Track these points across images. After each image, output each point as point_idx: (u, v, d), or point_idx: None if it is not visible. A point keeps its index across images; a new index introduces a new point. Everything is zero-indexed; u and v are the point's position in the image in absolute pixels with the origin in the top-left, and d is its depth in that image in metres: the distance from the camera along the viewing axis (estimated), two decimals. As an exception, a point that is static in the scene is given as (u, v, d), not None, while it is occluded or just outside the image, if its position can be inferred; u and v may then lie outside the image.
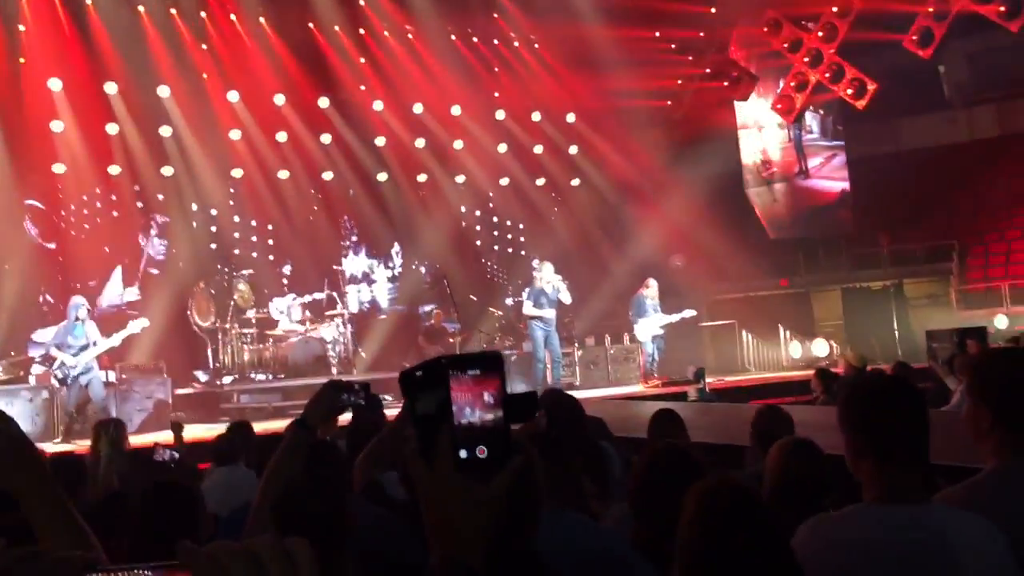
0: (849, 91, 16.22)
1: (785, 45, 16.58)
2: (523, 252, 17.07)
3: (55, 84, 13.09)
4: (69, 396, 10.41)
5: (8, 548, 1.06)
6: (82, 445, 9.04)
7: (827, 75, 16.30)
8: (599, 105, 16.28)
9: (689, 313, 13.36)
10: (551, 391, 6.33)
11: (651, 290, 13.24)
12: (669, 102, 17.34)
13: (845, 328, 16.24)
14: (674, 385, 12.12)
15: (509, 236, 17.31)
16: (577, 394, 6.57)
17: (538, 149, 16.61)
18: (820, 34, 16.06)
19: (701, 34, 17.20)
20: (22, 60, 12.97)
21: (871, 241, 17.44)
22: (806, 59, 16.33)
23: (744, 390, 11.93)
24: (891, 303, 16.41)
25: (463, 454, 1.23)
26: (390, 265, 16.63)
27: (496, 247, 17.25)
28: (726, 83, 17.39)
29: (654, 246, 15.76)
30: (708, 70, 17.39)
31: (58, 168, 13.47)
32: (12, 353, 12.32)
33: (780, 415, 4.82)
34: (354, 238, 16.44)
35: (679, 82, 17.44)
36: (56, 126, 13.18)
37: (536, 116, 16.52)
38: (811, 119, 18.17)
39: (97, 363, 10.65)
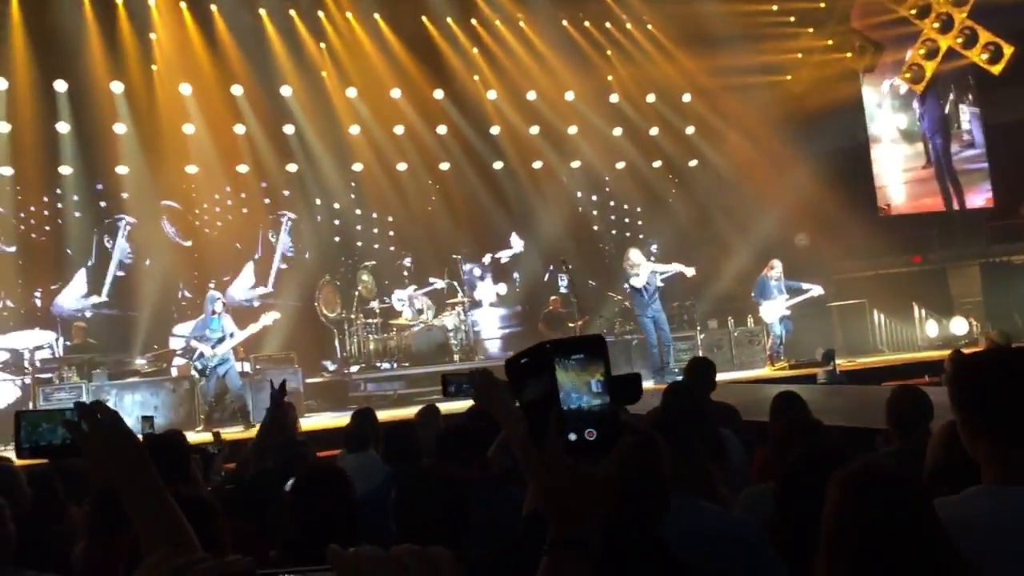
0: (984, 56, 15.36)
1: (912, 11, 15.84)
2: (641, 236, 16.89)
3: (185, 89, 13.70)
4: (208, 386, 10.92)
5: (169, 554, 1.10)
6: (224, 433, 9.47)
7: (959, 40, 15.48)
8: (715, 83, 15.92)
9: (816, 292, 12.97)
10: (697, 359, 6.28)
11: (775, 271, 12.91)
12: (789, 77, 16.79)
13: (985, 305, 15.40)
14: (802, 367, 11.80)
15: (626, 220, 17.15)
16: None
17: (654, 131, 16.38)
18: (950, -3, 15.27)
19: (822, 4, 16.59)
20: (155, 67, 13.61)
21: (1011, 213, 16.50)
22: (935, 25, 15.55)
23: (877, 371, 11.49)
24: (1035, 278, 15.50)
25: (572, 437, 1.24)
26: (509, 253, 16.69)
27: (614, 231, 17.11)
28: (849, 54, 16.74)
29: (777, 225, 15.34)
30: (830, 41, 16.77)
31: (191, 169, 14.10)
32: (155, 346, 13.01)
33: (920, 396, 4.59)
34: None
35: (799, 56, 16.87)
36: (188, 129, 13.80)
37: (651, 98, 16.31)
38: (943, 87, 17.27)
39: (233, 354, 11.13)
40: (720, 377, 6.56)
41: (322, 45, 14.59)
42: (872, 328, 15.25)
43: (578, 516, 1.27)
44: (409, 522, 2.82)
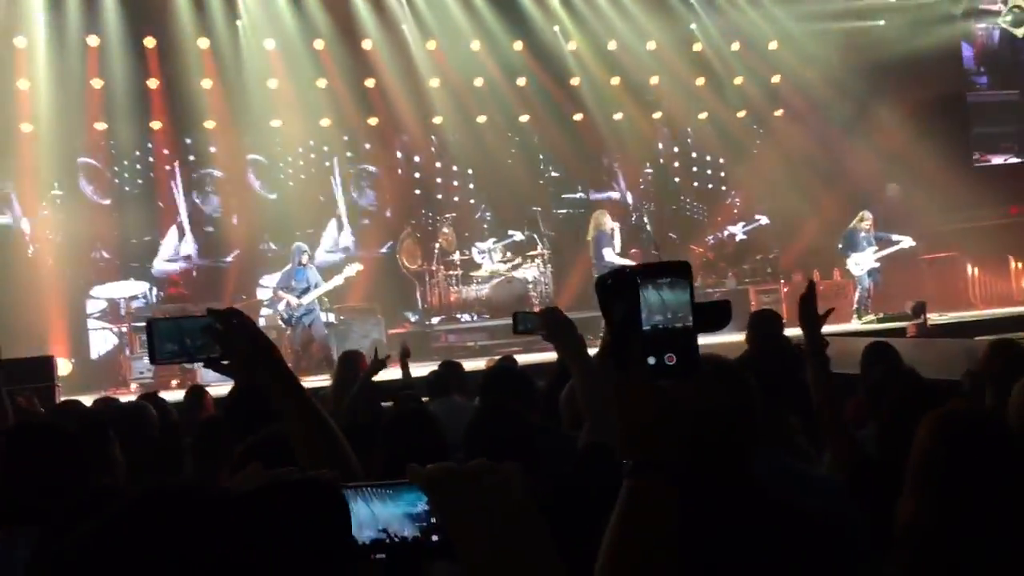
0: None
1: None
2: (724, 188, 16.58)
3: (269, 44, 13.89)
4: (294, 335, 11.20)
5: (261, 470, 1.14)
6: (309, 380, 9.72)
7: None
8: (804, 30, 15.42)
9: (907, 243, 12.59)
10: (759, 311, 6.16)
11: (865, 222, 12.58)
12: (882, 21, 16.14)
13: (1086, 258, 14.75)
14: (891, 321, 11.50)
15: (709, 172, 16.83)
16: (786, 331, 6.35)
17: (738, 80, 15.99)
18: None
19: (918, -56, 15.88)
20: (240, 23, 13.81)
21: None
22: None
23: (970, 325, 11.13)
24: None
25: (652, 361, 1.23)
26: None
27: (696, 183, 16.82)
28: (947, -4, 15.99)
29: (866, 175, 14.88)
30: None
31: (275, 123, 14.33)
32: (243, 296, 13.36)
33: (1017, 348, 4.42)
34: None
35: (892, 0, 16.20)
36: (272, 83, 14.00)
37: (735, 46, 15.89)
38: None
39: (318, 304, 11.37)
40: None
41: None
42: (965, 281, 14.75)
43: (657, 440, 1.26)
44: (475, 453, 2.90)
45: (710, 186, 16.70)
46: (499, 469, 1.10)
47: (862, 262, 12.46)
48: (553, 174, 16.19)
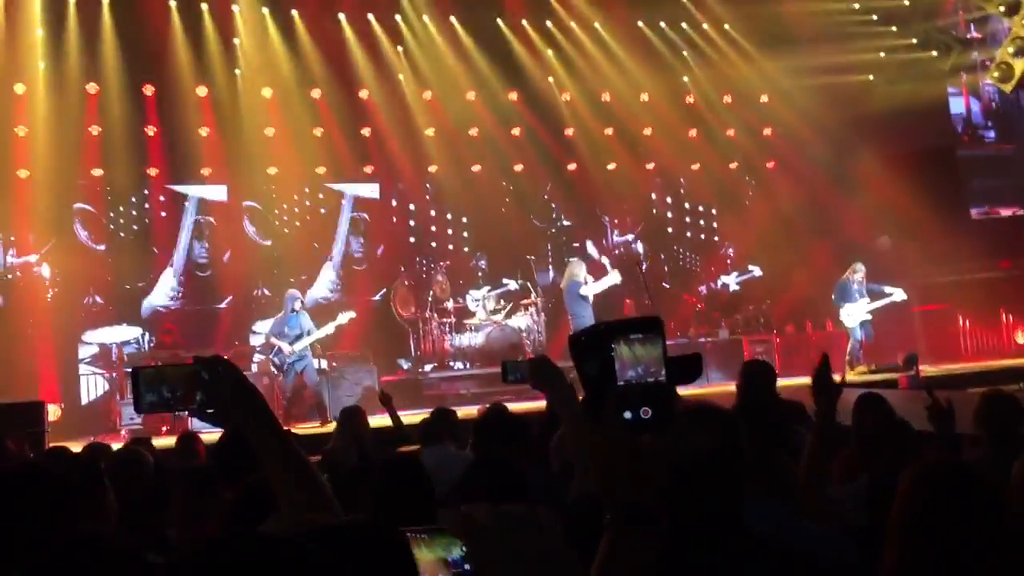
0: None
1: (1000, 8, 15.31)
2: (716, 238, 16.69)
3: (267, 92, 14.04)
4: (286, 382, 11.16)
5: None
6: (300, 428, 9.66)
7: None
8: (794, 84, 15.66)
9: (899, 296, 12.64)
10: (751, 361, 6.17)
11: (858, 274, 12.65)
12: (871, 76, 16.41)
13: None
14: (883, 372, 11.51)
15: (702, 222, 16.97)
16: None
17: (730, 132, 16.19)
18: (1042, -8, 14.70)
19: (906, 2, 16.18)
20: (238, 72, 13.97)
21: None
22: (1026, 21, 14.97)
23: (962, 377, 11.14)
24: None
25: (628, 415, 1.24)
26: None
27: (688, 233, 16.94)
28: (935, 53, 16.27)
29: (857, 227, 15.01)
30: (914, 40, 16.33)
31: (271, 170, 14.42)
32: (236, 343, 13.33)
33: (1012, 401, 4.43)
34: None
35: (882, 55, 16.47)
36: (269, 131, 14.12)
37: (727, 99, 16.13)
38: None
39: (311, 351, 11.34)
40: (798, 381, 6.45)
41: (399, 48, 14.80)
42: (957, 334, 14.80)
43: (634, 491, 1.28)
44: (471, 500, 2.91)
45: (703, 236, 16.82)
46: (533, 511, 1.09)
47: (854, 313, 12.51)
48: (539, 224, 16.26)
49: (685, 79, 15.95)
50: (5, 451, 4.42)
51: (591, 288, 11.98)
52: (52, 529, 2.46)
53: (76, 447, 6.00)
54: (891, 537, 1.91)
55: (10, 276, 13.11)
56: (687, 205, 16.99)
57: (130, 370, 1.87)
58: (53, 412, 10.44)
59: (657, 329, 1.29)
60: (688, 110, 16.02)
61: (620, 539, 1.27)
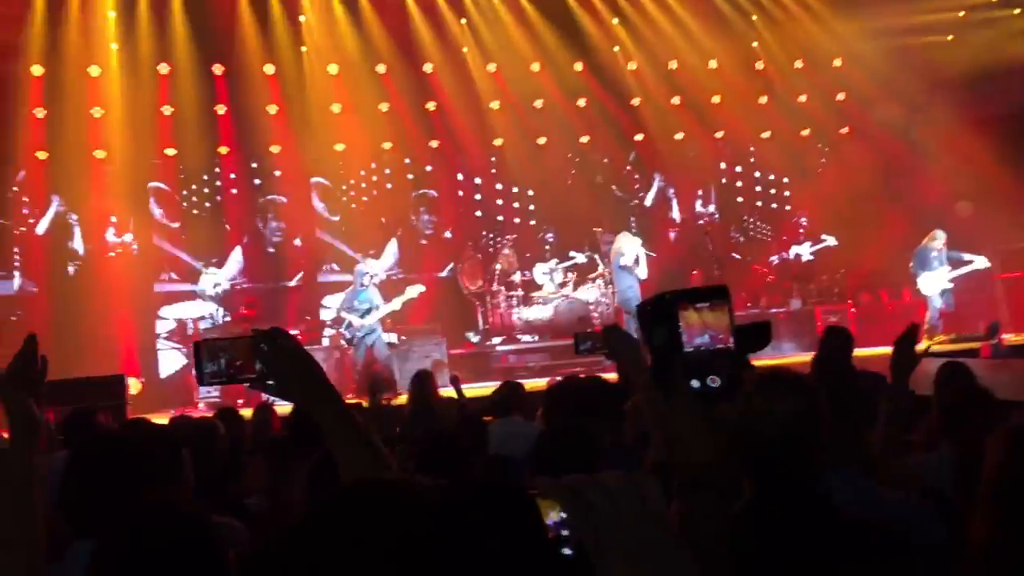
0: None
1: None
2: (788, 208, 16.33)
3: (333, 68, 14.14)
4: (357, 356, 11.31)
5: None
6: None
7: None
8: (868, 46, 15.16)
9: (981, 264, 12.23)
10: (831, 327, 6.04)
11: (937, 241, 12.26)
12: (951, 37, 15.81)
13: None
14: (964, 341, 11.17)
15: (772, 191, 16.62)
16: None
17: (802, 98, 15.78)
18: None
19: (987, -43, 15.53)
20: (304, 49, 14.09)
21: None
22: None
23: (1048, 346, 10.75)
24: None
25: (695, 383, 1.23)
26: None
27: (759, 203, 16.61)
28: (1017, 11, 15.59)
29: (936, 193, 14.53)
30: (997, -3, 15.68)
31: (338, 147, 14.55)
32: (308, 317, 13.54)
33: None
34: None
35: (961, 14, 15.85)
36: (335, 108, 14.23)
37: (798, 64, 15.70)
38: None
39: (380, 325, 11.47)
40: (875, 351, 6.30)
41: (463, 21, 14.75)
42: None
43: (703, 460, 1.26)
44: (543, 472, 2.87)
45: (774, 205, 16.47)
46: (636, 480, 1.07)
47: (934, 282, 12.15)
48: (620, 195, 16.12)
49: (755, 44, 15.57)
50: (96, 424, 4.57)
51: (639, 268, 11.81)
52: (132, 497, 2.52)
53: (155, 420, 6.17)
54: (984, 507, 1.83)
55: (111, 254, 13.47)
56: (757, 174, 16.64)
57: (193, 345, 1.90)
58: (134, 386, 10.77)
59: (724, 296, 1.27)
60: (758, 77, 15.65)
61: (690, 506, 1.26)
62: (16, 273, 13.07)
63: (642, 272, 11.80)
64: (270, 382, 1.82)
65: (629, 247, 11.89)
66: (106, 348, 11.96)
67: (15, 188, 13.23)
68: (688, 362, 1.25)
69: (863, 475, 2.76)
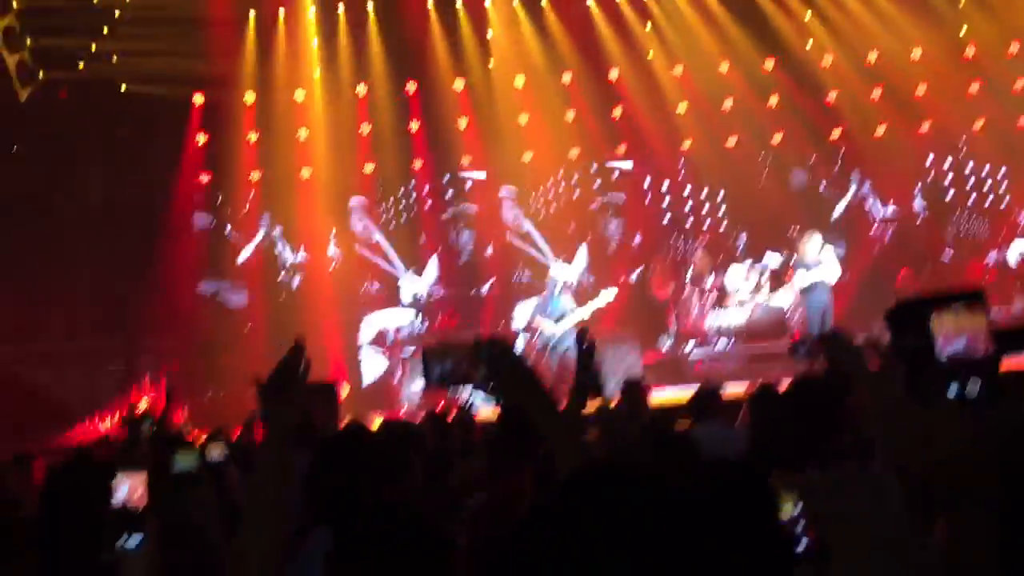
0: None
1: None
2: (1007, 201, 15.12)
3: (519, 80, 14.40)
4: (551, 362, 11.40)
5: None
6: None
7: None
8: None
9: None
10: None
11: None
12: None
13: None
14: None
15: (988, 185, 15.41)
16: None
17: (1020, 84, 14.60)
18: None
19: None
20: (492, 62, 14.42)
21: None
22: None
23: None
24: None
25: (954, 390, 1.14)
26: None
27: (973, 198, 15.45)
28: None
29: None
30: None
31: (526, 156, 14.77)
32: (501, 324, 13.77)
33: None
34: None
35: None
36: (522, 119, 14.47)
37: (1014, 48, 14.54)
38: None
39: (574, 331, 11.52)
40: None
41: (648, 25, 14.63)
42: None
43: (965, 475, 1.16)
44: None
45: (991, 199, 15.28)
46: (873, 476, 1.02)
47: None
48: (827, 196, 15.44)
49: (963, 30, 14.55)
50: (312, 426, 4.83)
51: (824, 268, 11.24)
52: (367, 492, 2.67)
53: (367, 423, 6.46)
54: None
55: (334, 264, 14.22)
56: (970, 166, 15.49)
57: (416, 350, 2.00)
58: (343, 391, 11.32)
59: (981, 300, 1.18)
60: (967, 65, 14.60)
61: (956, 523, 1.16)
62: (245, 288, 14.04)
63: (830, 272, 11.26)
64: (492, 385, 1.90)
65: (811, 248, 11.39)
66: (318, 355, 12.59)
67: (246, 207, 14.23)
68: (946, 368, 1.17)
69: None
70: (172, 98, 13.36)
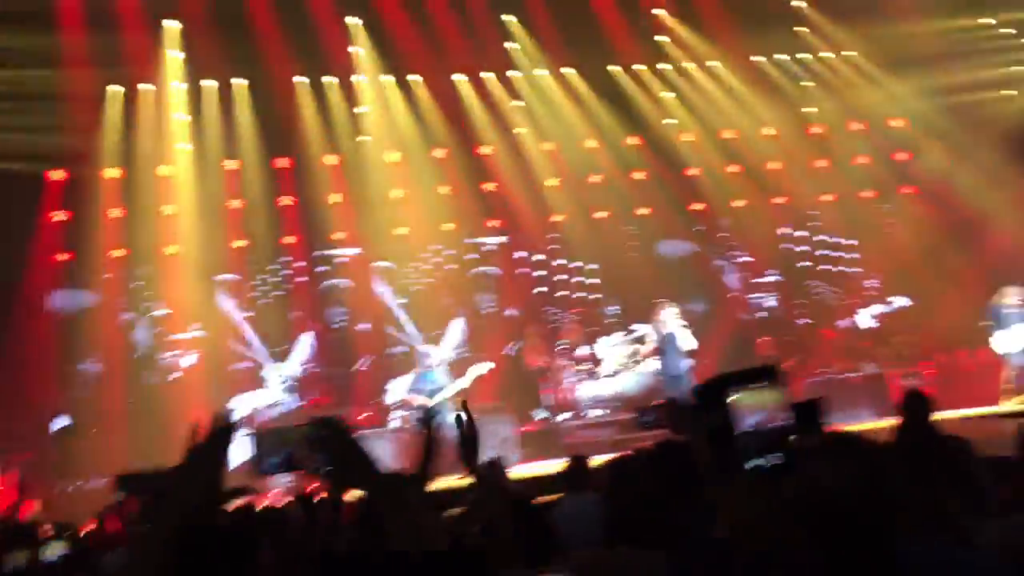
0: None
1: None
2: (855, 269, 16.06)
3: (392, 156, 14.53)
4: (426, 437, 11.28)
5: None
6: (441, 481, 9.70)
7: None
8: (928, 105, 15.04)
9: (1059, 320, 11.79)
10: (910, 391, 5.85)
11: (1009, 298, 11.90)
12: (1016, 92, 15.61)
13: None
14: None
15: (838, 254, 16.36)
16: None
17: (862, 159, 15.66)
18: None
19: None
20: (363, 138, 14.52)
21: None
22: None
23: None
24: None
25: (757, 462, 1.24)
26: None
27: (824, 267, 16.35)
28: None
29: (1008, 248, 14.17)
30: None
31: (401, 230, 14.82)
32: (373, 401, 13.61)
33: None
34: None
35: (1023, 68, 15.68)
36: (396, 193, 14.55)
37: (856, 126, 15.63)
38: None
39: (447, 405, 11.47)
40: (953, 414, 6.08)
41: (516, 103, 15.06)
42: None
43: (768, 538, 1.24)
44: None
45: (840, 269, 16.21)
46: None
47: (1011, 340, 11.75)
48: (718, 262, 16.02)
49: (810, 109, 15.57)
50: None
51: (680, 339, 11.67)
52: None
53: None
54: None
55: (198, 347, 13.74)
56: (821, 238, 16.43)
57: (250, 434, 1.94)
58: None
59: (775, 375, 1.28)
60: (814, 141, 15.61)
61: None
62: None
63: (684, 343, 11.66)
64: (328, 470, 1.85)
65: (669, 319, 11.80)
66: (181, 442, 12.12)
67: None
68: (746, 442, 1.25)
69: (950, 541, 2.65)
70: (28, 175, 12.87)
